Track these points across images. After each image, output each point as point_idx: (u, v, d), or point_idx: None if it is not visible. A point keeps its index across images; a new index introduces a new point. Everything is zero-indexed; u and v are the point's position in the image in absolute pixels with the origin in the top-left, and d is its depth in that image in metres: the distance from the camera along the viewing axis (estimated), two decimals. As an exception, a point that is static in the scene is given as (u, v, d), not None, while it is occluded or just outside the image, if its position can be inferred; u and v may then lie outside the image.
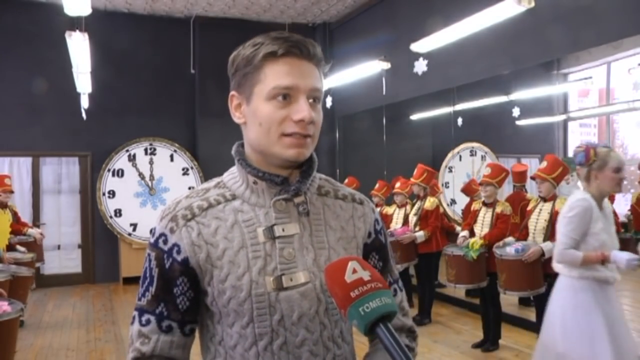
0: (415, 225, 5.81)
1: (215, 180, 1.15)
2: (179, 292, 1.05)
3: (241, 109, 1.09)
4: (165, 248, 1.05)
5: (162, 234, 1.06)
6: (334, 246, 1.11)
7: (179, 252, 1.05)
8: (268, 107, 1.04)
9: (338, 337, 1.10)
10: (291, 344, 1.04)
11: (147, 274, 1.07)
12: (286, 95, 1.03)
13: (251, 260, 1.04)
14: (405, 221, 6.07)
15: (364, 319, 0.86)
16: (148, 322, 1.06)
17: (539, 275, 4.24)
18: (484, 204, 4.98)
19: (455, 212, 7.30)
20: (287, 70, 1.03)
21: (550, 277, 4.22)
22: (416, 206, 5.95)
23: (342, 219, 1.15)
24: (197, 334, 1.14)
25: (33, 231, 6.41)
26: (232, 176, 1.13)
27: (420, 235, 5.71)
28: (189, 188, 7.91)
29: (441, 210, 6.07)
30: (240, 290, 1.03)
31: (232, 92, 1.11)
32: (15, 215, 6.32)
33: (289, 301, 1.04)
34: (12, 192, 6.16)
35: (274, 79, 1.03)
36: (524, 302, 5.90)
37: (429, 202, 5.82)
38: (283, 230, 1.07)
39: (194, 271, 1.05)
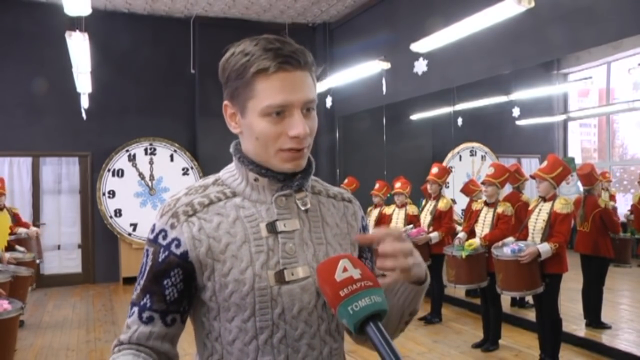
0: (428, 225, 5.75)
1: (213, 177, 1.16)
2: (170, 283, 1.06)
3: (236, 118, 1.10)
4: (164, 243, 1.07)
5: (162, 230, 1.08)
6: (331, 242, 1.13)
7: (178, 245, 1.06)
8: (263, 123, 1.04)
9: (335, 330, 1.11)
10: (290, 338, 1.06)
11: (141, 269, 1.10)
12: (280, 112, 1.03)
13: (254, 255, 1.06)
14: (406, 221, 6.07)
15: (353, 317, 0.87)
16: (133, 313, 1.09)
17: (535, 276, 4.22)
18: (486, 204, 4.98)
19: (456, 212, 7.30)
20: (280, 86, 1.02)
21: (549, 277, 4.24)
22: (429, 206, 5.87)
23: (336, 217, 1.18)
24: (193, 333, 1.16)
25: (23, 230, 6.27)
26: (231, 174, 1.14)
27: (435, 236, 5.65)
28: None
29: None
30: (243, 284, 1.05)
31: (226, 102, 1.11)
32: (15, 216, 6.30)
33: (290, 295, 1.06)
34: (3, 194, 6.05)
35: (267, 97, 1.03)
36: (516, 303, 5.90)
37: (443, 203, 5.75)
38: (285, 225, 1.09)
39: (192, 265, 1.06)
